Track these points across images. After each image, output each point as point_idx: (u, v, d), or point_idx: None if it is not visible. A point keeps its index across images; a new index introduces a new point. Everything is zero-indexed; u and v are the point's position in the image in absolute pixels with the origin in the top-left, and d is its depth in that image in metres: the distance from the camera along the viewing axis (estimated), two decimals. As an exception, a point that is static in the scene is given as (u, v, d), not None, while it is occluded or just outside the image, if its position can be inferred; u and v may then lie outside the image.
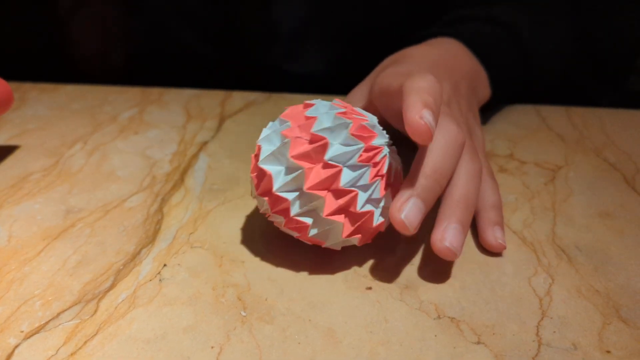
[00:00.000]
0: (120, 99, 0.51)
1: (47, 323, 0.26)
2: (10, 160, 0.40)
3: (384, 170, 0.28)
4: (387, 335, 0.26)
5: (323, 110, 0.29)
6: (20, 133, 0.45)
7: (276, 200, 0.28)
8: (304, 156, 0.27)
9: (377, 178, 0.28)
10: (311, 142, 0.28)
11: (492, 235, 0.31)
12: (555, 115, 0.49)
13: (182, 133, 0.45)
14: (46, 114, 0.48)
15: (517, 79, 0.47)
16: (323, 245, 0.29)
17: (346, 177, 0.27)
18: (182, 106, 0.50)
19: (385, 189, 0.28)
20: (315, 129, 0.28)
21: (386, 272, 0.30)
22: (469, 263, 0.31)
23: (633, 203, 0.36)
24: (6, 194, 0.36)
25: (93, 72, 0.61)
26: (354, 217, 0.28)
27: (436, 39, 0.44)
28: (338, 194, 0.27)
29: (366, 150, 0.28)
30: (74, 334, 0.26)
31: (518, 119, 0.48)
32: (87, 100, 0.51)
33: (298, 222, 0.28)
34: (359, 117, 0.29)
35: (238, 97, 0.52)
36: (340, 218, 0.28)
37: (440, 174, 0.28)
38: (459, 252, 0.28)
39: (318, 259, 0.31)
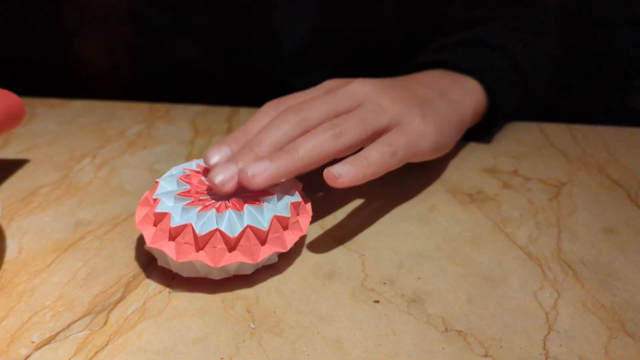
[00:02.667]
0: (128, 115, 0.52)
1: (57, 334, 0.26)
2: (20, 174, 0.41)
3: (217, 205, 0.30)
4: (395, 348, 0.26)
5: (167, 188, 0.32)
6: (30, 147, 0.45)
7: None
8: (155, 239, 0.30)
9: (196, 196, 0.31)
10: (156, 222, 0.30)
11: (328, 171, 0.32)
12: (558, 132, 0.50)
13: (190, 148, 0.45)
14: (55, 128, 0.49)
15: (513, 94, 0.47)
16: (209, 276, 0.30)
17: (175, 216, 0.29)
18: (189, 122, 0.51)
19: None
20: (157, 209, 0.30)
21: (393, 285, 0.30)
22: (474, 277, 0.31)
23: (637, 219, 0.37)
24: (16, 207, 0.37)
25: (101, 88, 0.62)
26: (173, 234, 0.29)
27: (427, 71, 0.45)
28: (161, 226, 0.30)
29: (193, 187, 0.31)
30: (85, 344, 0.26)
31: (521, 136, 0.49)
32: (95, 115, 0.52)
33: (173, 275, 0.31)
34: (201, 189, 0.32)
35: (245, 113, 0.53)
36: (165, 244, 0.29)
37: (251, 144, 0.32)
38: (219, 183, 0.30)
39: (325, 273, 0.31)
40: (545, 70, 0.52)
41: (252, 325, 0.27)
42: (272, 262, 0.31)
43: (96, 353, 0.25)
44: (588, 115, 0.55)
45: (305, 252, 0.33)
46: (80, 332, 0.27)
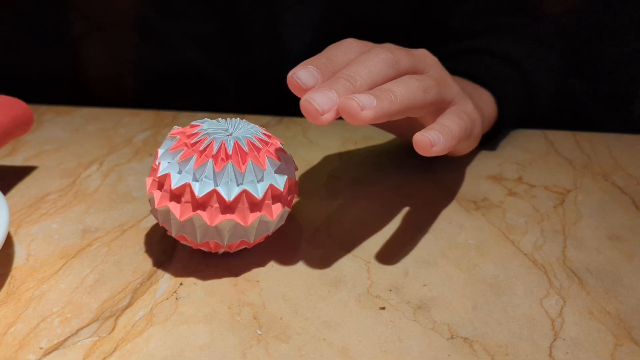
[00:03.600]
0: (134, 122, 0.52)
1: (65, 340, 0.27)
2: (28, 181, 0.41)
3: (202, 146, 0.29)
4: (401, 355, 0.26)
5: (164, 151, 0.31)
6: (37, 154, 0.45)
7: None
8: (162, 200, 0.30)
9: (192, 154, 0.29)
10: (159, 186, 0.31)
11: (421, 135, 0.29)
12: (563, 140, 0.50)
13: (196, 155, 0.46)
14: (62, 135, 0.49)
15: (520, 105, 0.48)
16: (221, 250, 0.31)
17: (175, 176, 0.29)
18: (196, 129, 0.51)
19: (213, 159, 0.29)
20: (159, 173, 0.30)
21: (398, 292, 0.30)
22: (480, 284, 0.31)
23: (642, 226, 0.37)
24: (24, 214, 0.37)
25: (107, 95, 0.62)
26: (174, 195, 0.29)
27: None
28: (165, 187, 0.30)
29: (183, 138, 0.30)
30: (93, 350, 0.26)
31: (526, 143, 0.49)
32: (102, 122, 0.52)
33: (183, 237, 0.31)
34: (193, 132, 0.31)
35: (251, 121, 0.53)
36: (172, 205, 0.29)
37: (349, 75, 0.29)
38: (321, 109, 0.27)
39: (331, 279, 0.31)
40: (550, 79, 0.52)
41: (259, 332, 0.27)
42: (264, 234, 0.31)
43: (104, 359, 0.26)
44: (593, 122, 0.55)
45: (311, 259, 0.33)
46: (88, 338, 0.27)
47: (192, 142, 0.30)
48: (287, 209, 0.32)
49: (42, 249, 0.33)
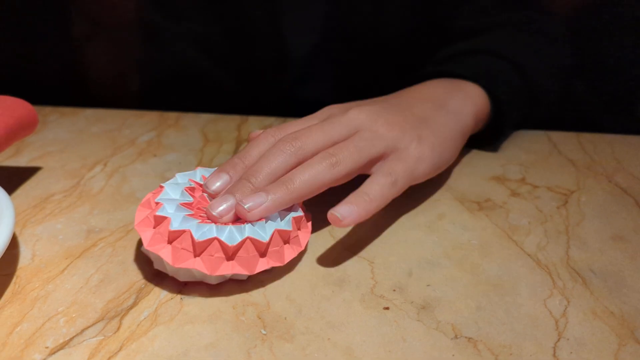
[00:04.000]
0: (138, 123, 0.52)
1: (71, 339, 0.27)
2: (32, 182, 0.41)
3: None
4: (405, 355, 0.26)
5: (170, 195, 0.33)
6: (42, 155, 0.46)
7: None
8: (153, 242, 0.30)
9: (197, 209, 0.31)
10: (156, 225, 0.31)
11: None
12: (566, 140, 0.50)
13: (200, 156, 0.46)
14: (66, 136, 0.49)
15: (518, 99, 0.47)
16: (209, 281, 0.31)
17: (175, 221, 0.30)
18: (199, 130, 0.51)
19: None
20: (159, 212, 0.31)
21: (402, 293, 0.30)
22: (483, 285, 0.31)
23: (646, 227, 0.37)
24: (29, 214, 0.37)
25: (111, 97, 0.63)
26: (171, 237, 0.29)
27: (427, 82, 0.45)
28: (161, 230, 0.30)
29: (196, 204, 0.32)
30: (98, 350, 0.26)
31: (529, 144, 0.49)
32: (106, 123, 0.52)
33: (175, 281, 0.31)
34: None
35: (254, 122, 0.53)
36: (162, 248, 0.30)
37: (248, 175, 0.33)
38: (218, 215, 0.31)
39: (335, 280, 0.31)
40: (553, 78, 0.52)
41: (264, 332, 0.27)
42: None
43: (109, 358, 0.26)
44: (596, 123, 0.55)
45: (315, 260, 0.33)
46: (93, 337, 0.27)
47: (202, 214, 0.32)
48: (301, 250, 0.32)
49: (47, 249, 0.34)
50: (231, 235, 0.29)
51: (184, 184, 0.33)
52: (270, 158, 0.33)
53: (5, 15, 0.60)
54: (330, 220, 0.31)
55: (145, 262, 0.32)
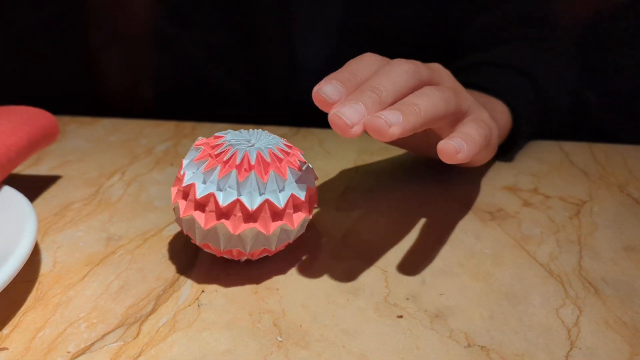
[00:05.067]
0: (154, 132, 0.53)
1: (92, 344, 0.27)
2: (53, 190, 0.42)
3: (226, 157, 0.30)
4: (418, 362, 0.27)
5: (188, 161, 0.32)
6: (61, 164, 0.47)
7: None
8: (187, 210, 0.31)
9: (216, 164, 0.30)
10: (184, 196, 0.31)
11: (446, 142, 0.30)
12: (578, 151, 0.50)
13: (215, 165, 0.47)
14: (85, 146, 0.51)
15: (535, 116, 0.48)
16: (241, 257, 0.32)
17: (199, 186, 0.30)
18: (215, 140, 0.52)
19: (237, 169, 0.30)
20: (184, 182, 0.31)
21: (416, 301, 0.31)
22: (496, 294, 0.31)
23: (658, 238, 0.37)
24: (50, 222, 0.38)
25: (127, 106, 0.64)
26: (198, 204, 0.30)
27: None
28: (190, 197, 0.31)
29: (207, 149, 0.31)
30: (119, 355, 0.27)
31: (541, 154, 0.49)
32: (123, 133, 0.53)
33: (207, 245, 0.32)
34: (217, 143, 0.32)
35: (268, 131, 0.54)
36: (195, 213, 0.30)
37: (373, 86, 0.29)
38: (350, 123, 0.27)
39: (349, 288, 0.32)
40: (565, 91, 0.52)
41: (279, 339, 0.28)
42: (285, 242, 0.32)
43: (130, 363, 0.26)
44: (608, 133, 0.56)
45: (329, 268, 0.34)
46: (114, 343, 0.28)
47: (216, 152, 0.31)
48: (308, 218, 0.32)
49: (67, 256, 0.34)
50: (252, 192, 0.30)
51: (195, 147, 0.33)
52: (392, 75, 0.30)
53: (24, 28, 0.61)
54: (441, 153, 0.29)
55: (163, 270, 0.33)
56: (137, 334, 0.28)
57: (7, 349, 0.27)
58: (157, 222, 0.38)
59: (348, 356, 0.27)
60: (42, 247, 0.35)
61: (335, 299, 0.31)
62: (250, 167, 0.30)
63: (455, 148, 0.29)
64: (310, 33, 0.58)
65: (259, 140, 0.32)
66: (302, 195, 0.31)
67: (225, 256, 0.32)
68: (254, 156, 0.30)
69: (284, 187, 0.30)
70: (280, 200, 0.30)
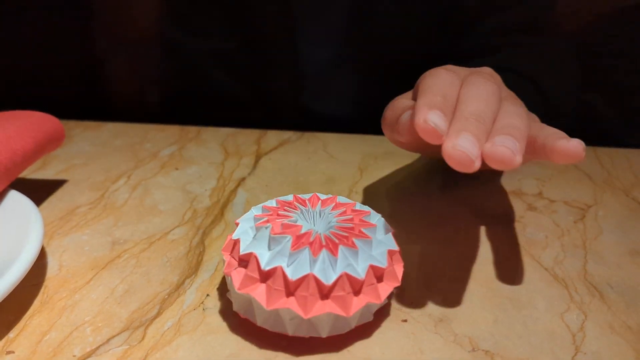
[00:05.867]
0: (160, 137, 0.54)
1: (97, 348, 0.28)
2: (58, 194, 0.43)
3: (310, 238, 0.27)
4: (423, 367, 0.27)
5: (246, 226, 0.30)
6: (67, 168, 0.47)
7: None
8: (245, 283, 0.27)
9: (286, 233, 0.28)
10: (240, 264, 0.28)
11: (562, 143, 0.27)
12: (583, 155, 0.50)
13: (221, 169, 0.47)
14: (90, 150, 0.51)
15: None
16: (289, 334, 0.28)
17: (263, 257, 0.27)
18: (220, 144, 0.52)
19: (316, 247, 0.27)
20: (241, 251, 0.28)
21: (420, 305, 0.31)
22: (500, 298, 0.31)
23: (663, 242, 0.37)
24: (56, 226, 0.38)
25: (132, 111, 0.64)
26: (263, 276, 0.27)
27: None
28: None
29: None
30: (124, 358, 0.27)
31: (546, 158, 0.49)
32: (128, 137, 0.54)
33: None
34: (284, 214, 0.30)
35: (273, 136, 0.54)
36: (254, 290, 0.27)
37: (477, 114, 0.28)
38: (474, 157, 0.25)
39: (354, 291, 0.32)
40: (569, 94, 0.52)
41: (284, 343, 0.28)
42: (366, 321, 0.29)
43: (135, 367, 0.26)
44: (613, 137, 0.56)
45: (333, 272, 0.34)
46: (119, 346, 0.28)
47: (284, 222, 0.29)
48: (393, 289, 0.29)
49: (73, 260, 0.35)
50: (325, 267, 0.26)
51: (256, 211, 0.31)
52: (484, 98, 0.29)
53: (29, 32, 0.61)
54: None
55: (168, 274, 0.33)
56: (143, 338, 0.28)
57: (13, 352, 0.27)
58: (162, 226, 0.38)
59: (352, 360, 0.27)
60: (48, 250, 0.35)
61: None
62: (321, 246, 0.27)
63: (580, 144, 0.27)
64: (316, 39, 0.58)
65: (319, 223, 0.30)
66: (383, 262, 0.28)
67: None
68: (323, 238, 0.28)
69: (358, 262, 0.27)
70: (359, 272, 0.27)
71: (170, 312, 0.30)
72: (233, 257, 0.29)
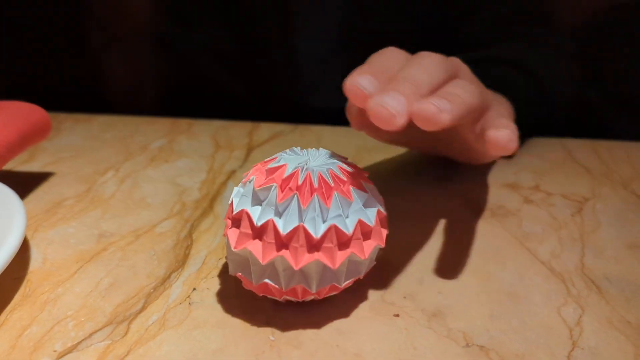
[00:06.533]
0: (150, 129, 0.53)
1: (79, 343, 0.27)
2: (45, 186, 0.42)
3: (299, 181, 0.26)
4: (415, 362, 0.26)
5: (238, 187, 0.29)
6: (55, 161, 0.46)
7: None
8: (240, 241, 0.27)
9: (270, 182, 0.27)
10: (234, 224, 0.28)
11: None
12: (581, 148, 0.49)
13: (211, 162, 0.46)
14: (80, 142, 0.50)
15: (536, 114, 0.47)
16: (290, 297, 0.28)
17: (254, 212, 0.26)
18: (211, 136, 0.51)
19: (298, 192, 0.26)
20: (234, 210, 0.27)
21: (413, 300, 0.30)
22: (496, 293, 0.31)
23: (663, 235, 0.36)
24: (41, 218, 0.37)
25: (124, 104, 0.63)
26: (257, 232, 0.26)
27: None
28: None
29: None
30: (106, 354, 0.26)
31: (544, 152, 0.48)
32: (118, 130, 0.53)
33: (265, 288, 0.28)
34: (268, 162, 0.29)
35: (265, 128, 0.53)
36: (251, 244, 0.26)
37: (411, 78, 0.27)
38: (398, 114, 0.25)
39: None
40: (567, 87, 0.51)
41: (272, 338, 0.27)
42: (355, 277, 0.28)
43: (117, 362, 0.26)
44: (611, 130, 0.55)
45: (325, 265, 0.33)
46: (101, 341, 0.27)
47: (268, 167, 0.27)
48: (379, 246, 0.28)
49: (58, 253, 0.34)
50: (315, 217, 0.26)
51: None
52: (425, 67, 0.29)
53: (23, 24, 0.61)
54: (498, 143, 0.27)
55: (154, 267, 0.32)
56: (126, 333, 0.27)
57: (-9, 347, 0.26)
58: (150, 219, 0.37)
59: (342, 356, 0.26)
60: (32, 243, 0.35)
61: (330, 298, 0.30)
62: (313, 190, 0.26)
63: (509, 138, 0.27)
64: (310, 32, 0.57)
65: (316, 159, 0.28)
66: (371, 220, 0.27)
67: (288, 297, 0.28)
68: (316, 177, 0.26)
69: (348, 214, 0.27)
70: (348, 227, 0.26)
71: (155, 307, 0.29)
72: (229, 219, 0.28)
